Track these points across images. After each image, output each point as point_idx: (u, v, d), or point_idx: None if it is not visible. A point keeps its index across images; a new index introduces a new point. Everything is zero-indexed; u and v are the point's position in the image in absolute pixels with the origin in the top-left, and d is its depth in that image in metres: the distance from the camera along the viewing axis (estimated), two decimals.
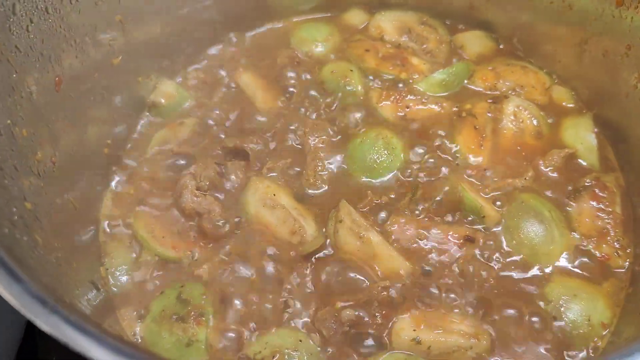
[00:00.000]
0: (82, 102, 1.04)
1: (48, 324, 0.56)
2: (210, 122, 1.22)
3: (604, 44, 1.10)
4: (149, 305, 1.00)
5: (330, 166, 1.13)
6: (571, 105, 1.21)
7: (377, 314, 0.95)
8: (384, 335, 0.94)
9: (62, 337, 0.55)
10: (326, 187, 1.11)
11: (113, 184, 1.14)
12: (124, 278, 1.04)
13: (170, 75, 1.28)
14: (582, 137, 1.15)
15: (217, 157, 1.14)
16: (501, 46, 1.32)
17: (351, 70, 1.25)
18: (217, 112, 1.23)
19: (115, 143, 1.16)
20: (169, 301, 0.99)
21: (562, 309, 0.95)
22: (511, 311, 0.96)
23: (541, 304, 0.96)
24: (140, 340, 0.97)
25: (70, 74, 0.99)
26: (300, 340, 0.94)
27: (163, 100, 1.25)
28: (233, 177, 1.12)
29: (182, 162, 1.14)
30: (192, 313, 0.97)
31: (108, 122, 1.14)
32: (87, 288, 0.95)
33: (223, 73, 1.30)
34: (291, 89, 1.25)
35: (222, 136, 1.19)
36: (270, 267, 1.01)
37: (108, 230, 1.09)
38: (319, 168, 1.12)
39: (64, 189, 0.98)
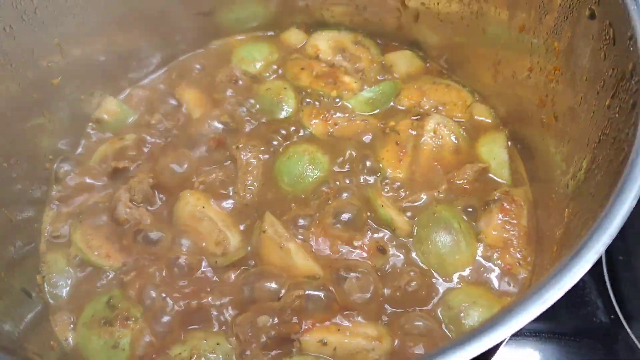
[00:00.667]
0: (20, 121, 1.11)
1: None
2: (149, 138, 1.28)
3: (512, 66, 1.17)
4: (81, 311, 1.07)
5: (259, 180, 1.20)
6: (489, 122, 1.28)
7: (290, 320, 1.01)
8: (296, 339, 1.01)
9: None
10: (254, 200, 1.18)
11: (54, 195, 1.21)
12: (60, 285, 1.11)
13: (114, 93, 1.35)
14: (495, 153, 1.22)
15: (153, 172, 1.21)
16: (428, 64, 1.39)
17: (285, 88, 1.33)
18: (158, 127, 1.30)
19: (57, 158, 1.23)
20: (99, 306, 1.06)
21: (462, 315, 1.02)
22: (414, 317, 1.03)
23: (439, 310, 1.03)
24: (71, 345, 1.04)
25: (7, 95, 1.07)
26: (218, 344, 1.01)
27: (106, 117, 1.32)
28: (166, 190, 1.19)
29: (119, 176, 1.21)
30: (119, 317, 1.04)
31: (50, 137, 1.21)
32: (18, 296, 1.02)
33: (165, 90, 1.37)
34: (228, 106, 1.32)
35: (159, 151, 1.25)
36: (196, 275, 1.08)
37: (48, 240, 1.17)
38: (249, 182, 1.19)
39: (2, 204, 1.05)
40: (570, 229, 0.89)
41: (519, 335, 1.23)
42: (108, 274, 1.11)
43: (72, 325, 1.06)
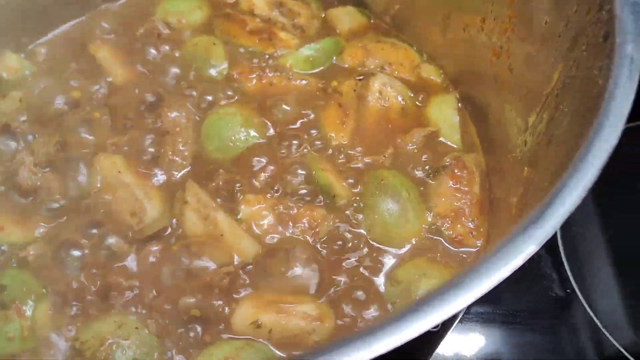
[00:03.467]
0: None
1: None
2: (58, 98, 1.11)
3: (463, 19, 1.07)
4: None
5: (190, 143, 1.06)
6: (438, 82, 1.18)
7: (217, 301, 0.89)
8: (224, 322, 0.88)
9: None
10: (185, 165, 1.04)
11: None
12: None
13: (15, 48, 1.17)
14: (445, 116, 1.12)
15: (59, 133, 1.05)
16: (372, 21, 1.28)
17: (214, 44, 1.18)
18: (69, 85, 1.14)
19: None
20: None
21: (411, 288, 0.91)
22: (358, 293, 0.92)
23: (384, 286, 0.92)
24: None
25: None
26: (136, 328, 0.87)
27: (5, 75, 1.14)
28: (76, 154, 1.03)
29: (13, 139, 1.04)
30: (15, 301, 0.88)
31: None
32: None
33: (77, 46, 1.20)
34: (150, 64, 1.17)
35: (68, 112, 1.09)
36: (104, 250, 0.94)
37: None
38: (180, 146, 1.04)
39: None
40: (529, 189, 0.80)
41: (466, 319, 1.15)
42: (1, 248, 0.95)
43: None
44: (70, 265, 0.93)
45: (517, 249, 0.52)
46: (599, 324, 1.08)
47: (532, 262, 1.13)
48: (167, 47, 1.20)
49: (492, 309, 1.17)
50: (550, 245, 1.16)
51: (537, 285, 1.12)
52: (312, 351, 0.47)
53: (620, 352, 1.06)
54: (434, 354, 1.11)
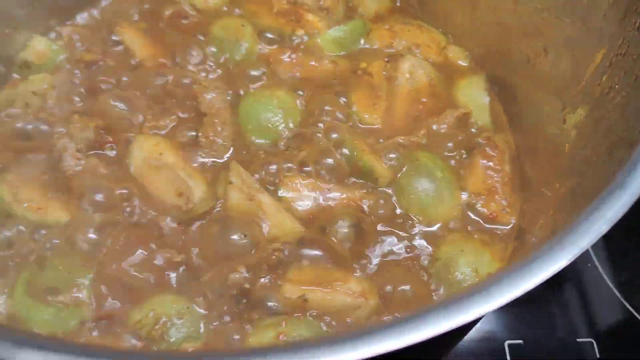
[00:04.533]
0: None
1: None
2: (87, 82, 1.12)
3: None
4: (17, 277, 0.91)
5: (228, 125, 1.07)
6: (465, 65, 1.21)
7: (265, 277, 0.91)
8: (272, 297, 0.90)
9: None
10: (227, 147, 1.05)
11: None
12: None
13: (43, 31, 1.17)
14: (475, 97, 1.15)
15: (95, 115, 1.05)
16: (398, 3, 1.30)
17: (243, 26, 1.19)
18: (98, 68, 1.14)
19: None
20: (38, 272, 0.91)
21: (451, 264, 0.95)
22: (398, 271, 0.95)
23: (424, 263, 0.95)
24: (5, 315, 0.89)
25: None
26: (187, 307, 0.89)
27: (34, 59, 1.13)
28: (115, 137, 1.04)
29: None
30: (67, 282, 0.89)
31: None
32: None
33: (104, 29, 1.20)
34: (178, 46, 1.17)
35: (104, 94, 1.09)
36: (155, 231, 0.95)
37: None
38: (218, 128, 1.05)
39: None
40: (573, 166, 0.83)
41: None
42: (43, 230, 0.96)
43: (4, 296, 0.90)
44: (116, 246, 0.94)
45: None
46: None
47: None
48: (194, 30, 1.20)
49: None
50: None
51: None
52: (362, 331, 0.49)
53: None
54: None
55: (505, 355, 1.13)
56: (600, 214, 0.55)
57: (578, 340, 1.14)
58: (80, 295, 0.88)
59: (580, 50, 0.86)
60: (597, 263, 1.20)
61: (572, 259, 0.53)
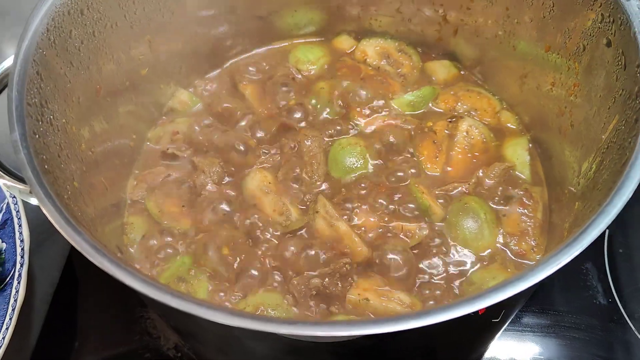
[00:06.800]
0: (115, 105, 1.31)
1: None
2: (217, 124, 1.48)
3: (537, 79, 1.35)
4: (162, 271, 1.27)
5: (322, 166, 1.38)
6: (514, 127, 1.46)
7: (337, 283, 1.21)
8: (342, 298, 1.19)
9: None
10: (319, 185, 1.36)
11: (135, 170, 1.42)
12: (139, 247, 1.30)
13: (186, 85, 1.55)
14: (519, 154, 1.40)
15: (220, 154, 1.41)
16: (463, 73, 1.58)
17: (336, 88, 1.51)
18: (225, 114, 1.50)
19: (138, 137, 1.43)
20: (176, 267, 1.26)
21: (482, 288, 1.20)
22: (438, 291, 1.22)
23: (461, 286, 1.22)
24: None
25: (107, 82, 1.26)
26: (277, 304, 1.20)
27: (178, 106, 1.52)
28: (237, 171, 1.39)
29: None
30: (193, 275, 1.24)
31: (134, 120, 1.42)
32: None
33: (230, 84, 1.57)
34: (285, 102, 1.51)
35: (225, 137, 1.45)
36: (260, 242, 1.28)
37: (130, 206, 1.37)
38: (315, 167, 1.37)
39: (99, 173, 1.25)
40: (578, 217, 1.08)
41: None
42: (180, 236, 1.31)
43: None
44: (234, 250, 1.28)
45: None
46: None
47: (581, 274, 1.40)
48: (299, 88, 1.54)
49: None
50: (597, 262, 1.42)
51: (583, 293, 1.38)
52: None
53: None
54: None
55: None
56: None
57: None
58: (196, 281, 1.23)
59: (594, 130, 1.11)
60: None
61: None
